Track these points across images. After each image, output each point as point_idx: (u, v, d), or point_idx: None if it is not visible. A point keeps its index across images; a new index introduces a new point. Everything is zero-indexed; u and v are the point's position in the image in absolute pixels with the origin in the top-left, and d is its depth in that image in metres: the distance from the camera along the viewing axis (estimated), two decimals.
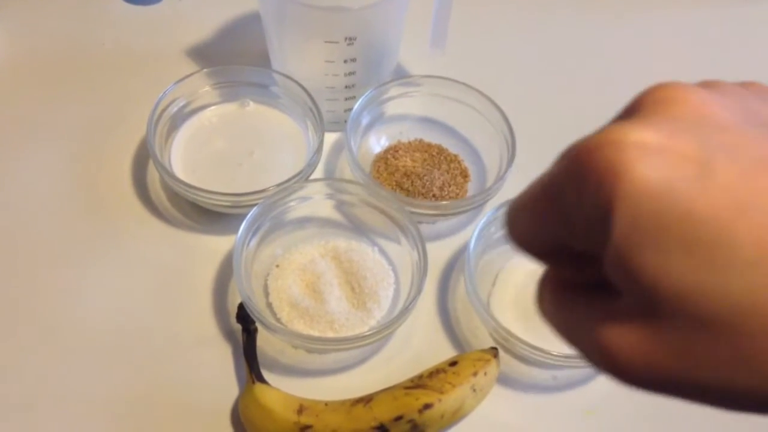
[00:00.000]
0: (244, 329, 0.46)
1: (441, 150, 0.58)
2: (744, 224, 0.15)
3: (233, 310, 0.48)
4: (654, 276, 0.16)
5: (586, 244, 0.18)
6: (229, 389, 0.46)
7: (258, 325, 0.45)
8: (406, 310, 0.45)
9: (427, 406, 0.42)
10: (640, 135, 0.16)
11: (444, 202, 0.53)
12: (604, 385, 0.48)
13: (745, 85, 0.20)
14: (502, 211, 0.50)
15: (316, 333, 0.47)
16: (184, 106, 0.55)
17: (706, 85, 0.20)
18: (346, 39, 0.51)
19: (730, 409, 0.17)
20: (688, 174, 0.16)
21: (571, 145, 0.18)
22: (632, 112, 0.19)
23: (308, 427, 0.41)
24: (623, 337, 0.17)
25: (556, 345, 0.47)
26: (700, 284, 0.15)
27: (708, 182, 0.16)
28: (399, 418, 0.42)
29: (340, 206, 0.53)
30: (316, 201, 0.52)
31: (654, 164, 0.16)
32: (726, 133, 0.17)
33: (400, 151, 0.57)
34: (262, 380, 0.44)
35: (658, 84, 0.19)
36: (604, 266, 0.17)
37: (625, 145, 0.16)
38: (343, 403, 0.43)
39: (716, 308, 0.15)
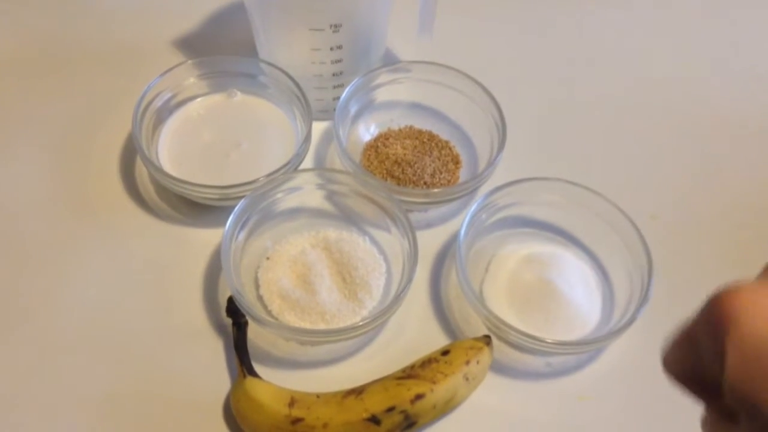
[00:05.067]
0: (234, 323, 0.45)
1: (432, 136, 0.57)
2: None
3: (224, 303, 0.47)
4: (761, 402, 0.19)
5: (714, 375, 0.22)
6: (221, 383, 0.46)
7: (248, 318, 0.45)
8: (397, 299, 0.45)
9: (419, 397, 0.42)
10: (756, 291, 0.21)
11: (435, 190, 0.52)
12: (597, 371, 0.48)
13: None
14: (493, 197, 0.50)
15: (307, 325, 0.47)
16: (169, 99, 0.55)
17: None
18: (331, 26, 0.50)
19: None
20: None
21: (712, 294, 0.22)
22: (765, 273, 0.23)
23: (300, 420, 0.41)
24: None
25: (550, 332, 0.46)
26: None
27: None
28: (391, 409, 0.41)
29: (330, 196, 0.52)
30: (305, 191, 0.51)
31: (761, 316, 0.20)
32: None
33: (391, 139, 0.57)
34: (253, 374, 0.44)
35: None
36: (725, 393, 0.21)
37: (741, 299, 0.20)
38: (334, 394, 0.43)
39: None
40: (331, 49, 0.52)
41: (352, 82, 0.54)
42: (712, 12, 0.72)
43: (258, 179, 0.49)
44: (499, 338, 0.48)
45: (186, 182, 0.49)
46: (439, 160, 0.55)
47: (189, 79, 0.55)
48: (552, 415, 0.46)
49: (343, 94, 0.53)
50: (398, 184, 0.53)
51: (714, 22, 0.71)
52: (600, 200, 0.50)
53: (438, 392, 0.42)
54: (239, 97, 0.57)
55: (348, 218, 0.52)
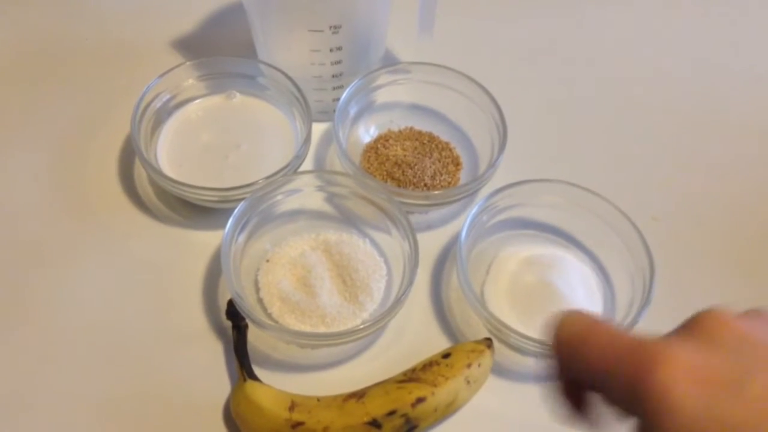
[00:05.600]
0: (234, 326, 0.45)
1: (432, 138, 0.57)
2: None
3: (224, 306, 0.47)
4: None
5: (615, 405, 0.22)
6: (222, 386, 0.46)
7: (248, 321, 0.45)
8: (398, 302, 0.45)
9: (420, 400, 0.42)
10: (687, 358, 0.21)
11: (435, 192, 0.52)
12: None
13: None
14: (494, 199, 0.49)
15: (307, 328, 0.47)
16: (168, 100, 0.55)
17: (751, 313, 0.24)
18: (330, 27, 0.50)
19: None
20: (723, 391, 0.20)
21: (639, 345, 0.22)
22: (688, 330, 0.23)
23: (300, 423, 0.41)
24: None
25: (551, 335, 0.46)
26: None
27: (742, 395, 0.19)
28: (392, 413, 0.41)
29: (330, 198, 0.52)
30: (305, 193, 0.51)
31: (696, 385, 0.20)
32: (761, 350, 0.21)
33: (391, 140, 0.56)
34: (253, 377, 0.44)
35: (710, 310, 0.23)
36: None
37: (673, 368, 0.20)
38: (335, 398, 0.43)
39: None
40: (331, 50, 0.52)
41: (352, 84, 0.54)
42: (712, 12, 0.71)
43: (257, 181, 0.49)
44: (501, 341, 0.47)
45: (185, 185, 0.49)
46: (440, 161, 0.55)
47: (188, 80, 0.55)
48: (552, 418, 0.46)
49: (343, 96, 0.53)
50: (398, 186, 0.53)
51: (714, 22, 0.71)
52: (601, 202, 0.49)
53: (439, 395, 0.42)
54: (238, 98, 0.57)
55: (348, 220, 0.52)
